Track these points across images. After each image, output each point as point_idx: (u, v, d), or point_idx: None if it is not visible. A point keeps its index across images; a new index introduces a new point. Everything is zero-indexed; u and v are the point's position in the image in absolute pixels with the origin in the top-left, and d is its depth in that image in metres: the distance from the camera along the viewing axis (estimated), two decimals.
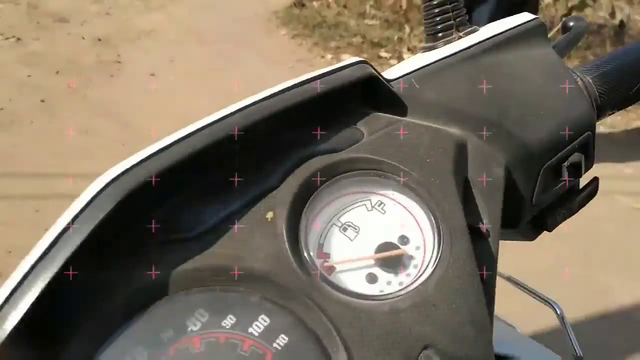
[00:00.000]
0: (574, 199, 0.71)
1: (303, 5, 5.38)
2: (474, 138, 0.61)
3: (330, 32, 4.96)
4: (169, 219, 0.51)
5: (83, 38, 4.18)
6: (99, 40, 4.20)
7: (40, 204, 2.48)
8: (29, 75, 3.57)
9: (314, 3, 5.48)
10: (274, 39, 4.83)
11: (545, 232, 0.73)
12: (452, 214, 0.53)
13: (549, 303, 1.01)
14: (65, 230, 0.44)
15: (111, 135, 3.12)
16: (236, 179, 0.53)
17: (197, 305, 0.47)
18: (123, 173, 0.47)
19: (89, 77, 3.70)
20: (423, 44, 0.70)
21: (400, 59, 4.69)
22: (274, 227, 0.51)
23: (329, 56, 4.61)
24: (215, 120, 0.51)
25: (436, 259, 0.51)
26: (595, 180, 0.72)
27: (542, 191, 0.65)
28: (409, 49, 4.82)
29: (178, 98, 3.63)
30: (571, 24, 0.80)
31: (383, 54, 4.76)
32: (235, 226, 0.51)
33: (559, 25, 0.80)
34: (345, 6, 5.46)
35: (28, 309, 0.42)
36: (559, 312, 0.99)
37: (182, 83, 3.85)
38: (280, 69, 4.28)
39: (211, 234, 0.50)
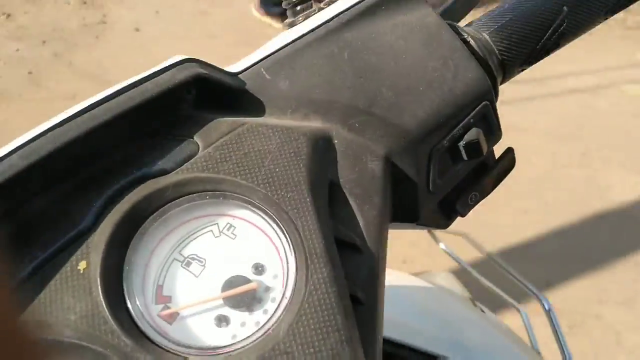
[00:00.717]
0: (485, 176, 0.61)
1: None
2: (341, 131, 0.52)
3: None
4: None
5: (68, 3, 4.22)
6: (84, 2, 4.23)
7: None
8: (17, 50, 3.65)
9: None
10: None
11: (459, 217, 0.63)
12: (307, 232, 0.44)
13: (538, 297, 0.92)
14: None
15: None
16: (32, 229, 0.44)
17: None
18: None
19: (74, 42, 3.75)
20: (285, 20, 0.60)
21: None
22: (87, 279, 0.42)
23: None
24: (8, 153, 0.44)
25: (291, 293, 0.43)
26: (509, 151, 0.62)
27: (439, 176, 0.56)
28: None
29: (161, 50, 3.65)
30: None
31: None
32: (44, 281, 0.42)
33: None
34: None
35: None
36: (547, 307, 0.90)
37: (166, 34, 3.86)
38: None
39: (20, 293, 0.43)
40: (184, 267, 0.45)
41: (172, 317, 0.43)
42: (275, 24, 3.99)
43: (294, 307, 0.42)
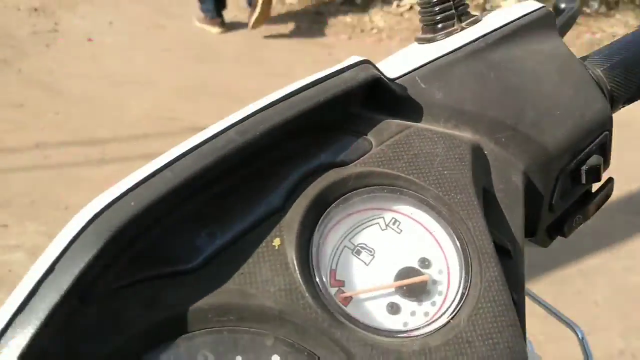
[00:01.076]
0: (590, 202, 0.64)
1: None
2: (488, 143, 0.55)
3: None
4: (159, 248, 0.45)
5: (19, 9, 4.14)
6: (35, 10, 4.16)
7: None
8: None
9: None
10: None
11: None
12: (478, 233, 0.47)
13: (570, 325, 0.91)
14: (46, 276, 0.39)
15: (45, 105, 3.13)
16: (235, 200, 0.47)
17: (204, 348, 0.42)
18: (110, 204, 0.41)
19: (23, 50, 3.68)
20: (419, 35, 0.63)
21: None
22: (282, 255, 0.45)
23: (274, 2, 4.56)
24: (207, 139, 0.46)
25: (465, 287, 0.46)
26: (610, 181, 0.65)
27: (561, 197, 0.60)
28: None
29: (113, 60, 3.62)
30: (562, 5, 0.72)
31: None
32: (240, 255, 0.45)
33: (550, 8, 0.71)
34: None
35: None
36: (580, 335, 0.90)
37: (119, 45, 3.83)
38: None
39: (211, 265, 0.44)
40: (355, 255, 0.47)
41: (347, 301, 0.45)
42: (212, 29, 4.02)
43: (471, 300, 0.44)
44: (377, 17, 4.40)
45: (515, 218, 0.52)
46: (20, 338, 0.37)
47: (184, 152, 0.44)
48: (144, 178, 0.42)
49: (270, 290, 0.43)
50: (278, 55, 3.87)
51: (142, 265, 0.43)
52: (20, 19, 4.05)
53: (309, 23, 4.33)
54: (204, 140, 0.45)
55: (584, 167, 0.59)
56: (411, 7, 4.52)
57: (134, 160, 2.65)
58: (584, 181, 0.59)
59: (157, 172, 0.43)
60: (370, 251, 0.48)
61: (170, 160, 0.44)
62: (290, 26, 4.29)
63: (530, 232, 0.61)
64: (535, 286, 2.47)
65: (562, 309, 0.85)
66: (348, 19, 4.39)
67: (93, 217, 0.40)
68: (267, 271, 0.44)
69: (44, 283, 0.38)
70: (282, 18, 4.40)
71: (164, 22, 4.16)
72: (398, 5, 4.53)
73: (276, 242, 0.45)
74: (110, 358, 0.40)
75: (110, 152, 2.77)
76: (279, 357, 0.41)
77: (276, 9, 4.48)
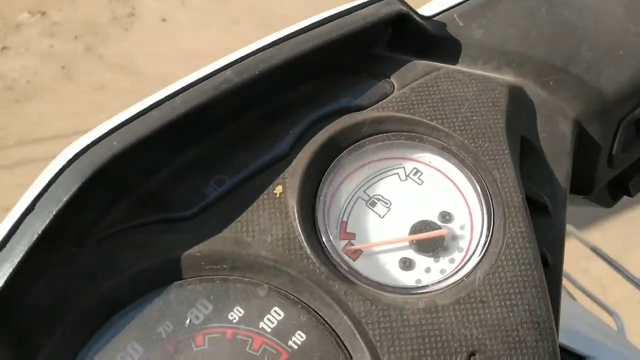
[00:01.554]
0: None
1: None
2: (533, 87, 0.51)
3: None
4: (160, 194, 0.44)
5: None
6: None
7: None
8: (51, 46, 3.82)
9: None
10: None
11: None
12: (506, 184, 0.43)
13: (610, 313, 0.90)
14: (25, 214, 0.39)
15: (125, 87, 3.32)
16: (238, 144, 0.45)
17: (198, 296, 0.40)
18: (92, 144, 0.41)
19: (104, 36, 3.89)
20: None
21: None
22: (283, 204, 0.43)
23: None
24: (201, 79, 0.44)
25: (485, 243, 0.43)
26: None
27: (622, 150, 0.53)
28: None
29: (187, 38, 3.76)
30: None
31: None
32: (239, 203, 0.43)
33: None
34: None
35: None
36: (619, 324, 0.87)
37: (192, 22, 3.96)
38: None
39: (209, 212, 0.43)
40: (369, 207, 0.45)
41: (356, 254, 0.43)
42: None
43: (489, 257, 0.41)
44: None
45: (559, 171, 0.47)
46: (1, 273, 0.37)
47: (174, 92, 0.43)
48: (129, 118, 0.41)
49: (267, 239, 0.42)
50: None
51: (140, 210, 0.43)
52: (100, 6, 4.27)
53: None
54: (197, 80, 0.44)
55: None
56: None
57: None
58: None
59: (143, 112, 0.42)
60: (387, 203, 0.45)
61: (159, 100, 0.42)
62: None
63: (586, 189, 0.55)
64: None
65: None
66: None
67: (73, 157, 0.40)
68: (266, 219, 0.42)
69: (24, 222, 0.39)
70: None
71: None
72: None
73: (278, 189, 0.43)
74: (104, 301, 0.40)
75: None
76: (279, 308, 0.40)
77: None
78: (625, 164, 0.55)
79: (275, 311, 0.40)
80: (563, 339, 0.80)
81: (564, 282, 1.15)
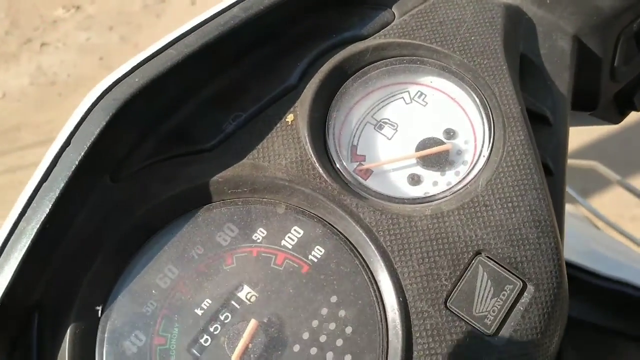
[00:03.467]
0: None
1: None
2: (531, 6, 0.52)
3: None
4: (183, 129, 0.48)
5: None
6: None
7: None
8: (88, 38, 3.93)
9: None
10: None
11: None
12: (504, 97, 0.46)
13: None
14: (63, 148, 0.43)
15: None
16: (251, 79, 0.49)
17: (223, 220, 0.45)
18: (116, 82, 0.45)
19: (138, 24, 3.98)
20: None
21: None
22: (295, 130, 0.47)
23: None
24: (210, 17, 0.47)
25: (487, 152, 0.46)
26: None
27: (624, 62, 0.54)
28: None
29: None
30: None
31: None
32: (254, 133, 0.48)
33: None
34: None
35: (34, 236, 0.40)
36: None
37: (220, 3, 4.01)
38: None
39: (229, 143, 0.48)
40: (377, 130, 0.48)
41: (367, 174, 0.47)
42: None
43: (491, 165, 0.45)
44: None
45: (560, 84, 0.49)
46: (45, 205, 0.41)
47: (187, 31, 0.46)
48: (148, 57, 0.45)
49: (282, 162, 0.46)
50: None
51: (166, 145, 0.47)
52: None
53: None
54: (207, 19, 0.47)
55: None
56: None
57: None
58: None
59: (160, 51, 0.46)
60: (394, 125, 0.48)
61: (173, 39, 0.46)
62: None
63: (591, 104, 0.56)
64: None
65: None
66: None
67: (101, 94, 0.45)
68: (280, 145, 0.47)
69: (63, 155, 0.43)
70: None
71: None
72: None
73: (289, 117, 0.48)
74: (139, 227, 0.44)
75: None
76: (298, 227, 0.44)
77: None
78: (628, 77, 0.56)
79: (295, 230, 0.44)
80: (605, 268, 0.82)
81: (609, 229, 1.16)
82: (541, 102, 0.48)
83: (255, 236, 0.44)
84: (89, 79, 3.50)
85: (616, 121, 0.60)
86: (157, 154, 0.47)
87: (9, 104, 3.45)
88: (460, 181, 0.45)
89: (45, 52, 3.89)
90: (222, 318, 0.41)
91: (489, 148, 0.45)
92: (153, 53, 0.45)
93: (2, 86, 3.62)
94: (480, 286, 0.39)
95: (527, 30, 0.51)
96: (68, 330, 0.40)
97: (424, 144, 0.47)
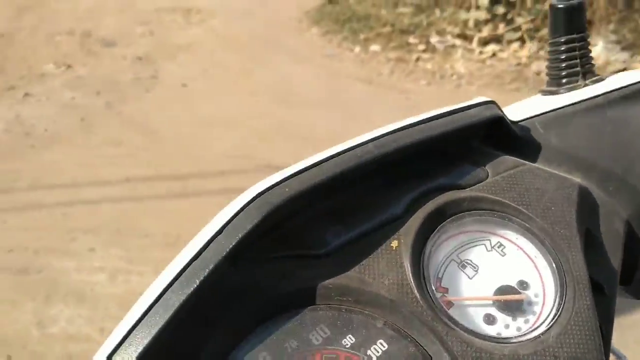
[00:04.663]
0: None
1: (331, 1, 5.52)
2: (596, 189, 0.61)
3: (359, 25, 5.07)
4: (298, 234, 0.53)
5: (125, 58, 4.55)
6: (139, 59, 4.56)
7: (67, 210, 2.80)
8: (73, 98, 3.96)
9: None
10: (304, 38, 5.01)
11: None
12: (575, 265, 0.52)
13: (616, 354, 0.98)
14: (215, 236, 0.48)
15: (138, 144, 3.42)
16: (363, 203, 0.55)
17: (320, 321, 0.49)
18: (270, 187, 0.50)
19: (125, 94, 4.04)
20: (543, 87, 0.71)
21: (428, 44, 4.72)
22: (398, 256, 0.52)
23: (357, 49, 4.72)
24: (350, 148, 0.54)
25: (558, 309, 0.50)
26: None
27: None
28: (437, 33, 4.83)
29: (203, 104, 3.89)
30: None
31: (412, 40, 4.80)
32: (362, 250, 0.52)
33: None
34: None
35: (177, 307, 0.44)
36: None
37: (211, 90, 4.11)
38: (307, 66, 4.46)
39: (339, 254, 0.52)
40: (460, 268, 0.54)
41: (449, 305, 0.51)
42: None
43: (561, 322, 0.49)
44: (458, 63, 4.45)
45: (613, 261, 0.57)
46: (193, 281, 0.46)
47: (330, 156, 0.53)
48: (298, 171, 0.52)
49: (385, 282, 0.50)
50: (357, 99, 4.00)
51: (282, 245, 0.52)
52: (125, 66, 4.46)
53: (391, 68, 4.45)
54: (347, 149, 0.54)
55: None
56: (494, 54, 4.54)
57: (212, 195, 2.83)
58: None
59: (307, 168, 0.52)
60: (475, 267, 0.54)
61: (318, 161, 0.53)
62: (371, 71, 4.43)
63: (626, 280, 0.63)
64: None
65: None
66: (429, 65, 4.47)
67: (257, 195, 0.50)
68: (384, 266, 0.51)
69: (214, 241, 0.48)
70: (364, 64, 4.55)
71: (254, 69, 4.43)
72: (481, 52, 4.57)
73: (394, 243, 0.53)
74: (248, 316, 0.48)
75: (192, 187, 2.98)
76: (384, 341, 0.48)
77: (359, 56, 4.64)
78: None
79: (381, 343, 0.48)
80: None
81: None
82: (598, 274, 0.55)
83: (345, 341, 0.48)
84: (65, 137, 3.48)
85: (639, 297, 0.68)
86: (275, 250, 0.52)
87: None
88: (532, 329, 0.50)
89: (26, 103, 3.89)
90: None
91: (561, 307, 0.51)
92: (302, 169, 0.52)
93: None
94: None
95: (592, 209, 0.58)
96: None
97: (500, 290, 0.52)
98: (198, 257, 0.47)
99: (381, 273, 0.51)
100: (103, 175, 3.09)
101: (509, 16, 4.74)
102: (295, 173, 0.51)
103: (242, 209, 0.49)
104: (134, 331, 0.44)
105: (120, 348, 0.44)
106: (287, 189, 0.50)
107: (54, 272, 2.41)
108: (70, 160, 3.24)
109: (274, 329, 0.48)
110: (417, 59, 4.56)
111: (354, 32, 4.99)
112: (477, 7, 4.77)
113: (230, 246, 0.47)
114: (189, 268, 0.46)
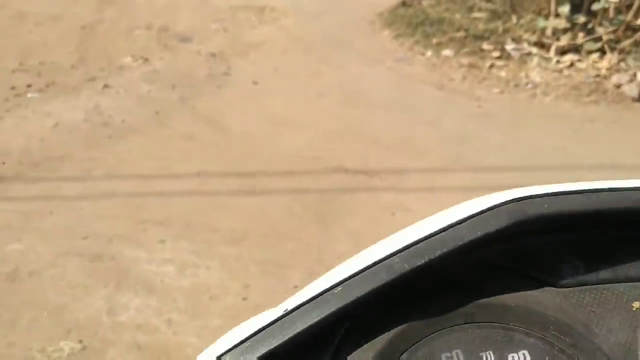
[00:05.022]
0: None
1: (404, 3, 5.47)
2: None
3: (432, 29, 5.01)
4: (531, 254, 0.51)
5: (199, 54, 4.65)
6: (213, 55, 4.65)
7: (140, 200, 2.88)
8: (149, 91, 4.07)
9: (423, 2, 5.53)
10: (376, 40, 4.99)
11: None
12: None
13: None
14: (457, 223, 0.46)
15: (210, 139, 3.49)
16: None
17: (527, 347, 0.46)
18: (529, 197, 0.48)
19: (199, 89, 4.13)
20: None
21: (503, 51, 4.62)
22: (636, 318, 0.48)
23: (429, 53, 4.67)
24: (629, 188, 0.50)
25: None
26: None
27: None
28: (513, 39, 4.71)
29: (273, 102, 3.94)
30: None
31: (485, 46, 4.71)
32: (598, 297, 0.49)
33: None
34: (453, 1, 5.46)
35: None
36: None
37: (280, 89, 4.16)
38: (378, 68, 4.44)
39: (572, 291, 0.49)
40: None
41: None
42: None
43: None
44: (533, 72, 4.33)
45: None
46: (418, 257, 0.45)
47: (599, 188, 0.50)
48: (563, 191, 0.49)
49: (611, 339, 0.47)
50: (427, 104, 3.96)
51: (509, 259, 0.49)
52: (199, 62, 4.55)
53: (463, 74, 4.38)
54: (622, 187, 0.51)
55: None
56: (572, 64, 4.40)
57: (281, 194, 2.86)
58: None
59: (573, 192, 0.49)
60: None
61: (586, 189, 0.49)
62: (443, 77, 4.37)
63: None
64: None
65: None
66: (503, 73, 4.37)
67: (513, 199, 0.47)
68: (616, 324, 0.48)
69: (452, 228, 0.46)
70: (436, 68, 4.49)
71: (324, 69, 4.44)
72: (558, 62, 4.43)
73: (636, 304, 0.49)
74: (450, 310, 0.47)
75: (260, 185, 3.01)
76: None
77: (431, 61, 4.59)
78: None
79: None
80: None
81: None
82: None
83: None
84: (141, 129, 3.59)
85: None
86: (498, 260, 0.50)
87: (58, 135, 3.53)
88: None
89: (106, 94, 4.03)
90: None
91: None
92: (567, 191, 0.49)
93: (56, 116, 3.73)
94: None
95: None
96: None
97: None
98: (422, 241, 0.45)
99: (610, 328, 0.47)
100: (175, 169, 3.17)
101: (590, 26, 4.57)
102: (559, 192, 0.48)
103: (492, 208, 0.47)
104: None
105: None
106: (546, 205, 0.48)
107: (126, 261, 2.49)
108: (145, 151, 3.34)
109: (478, 334, 0.46)
110: (491, 66, 4.46)
111: (427, 35, 4.93)
112: (557, 15, 4.62)
113: (470, 239, 0.45)
114: (414, 246, 0.44)
